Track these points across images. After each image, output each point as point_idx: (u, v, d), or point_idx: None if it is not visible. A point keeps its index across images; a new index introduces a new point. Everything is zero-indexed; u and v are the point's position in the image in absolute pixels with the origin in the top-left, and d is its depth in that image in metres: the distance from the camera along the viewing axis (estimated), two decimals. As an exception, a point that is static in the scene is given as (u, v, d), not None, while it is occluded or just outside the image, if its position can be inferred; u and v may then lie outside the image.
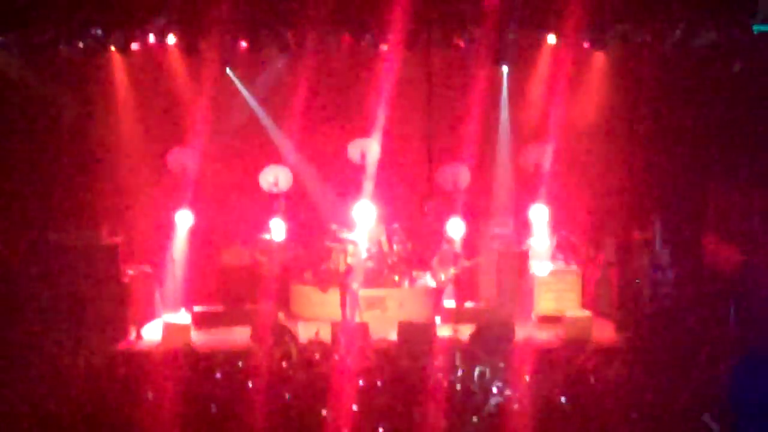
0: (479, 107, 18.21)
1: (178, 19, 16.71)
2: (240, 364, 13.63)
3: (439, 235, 18.53)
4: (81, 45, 16.87)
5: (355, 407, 11.95)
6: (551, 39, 17.46)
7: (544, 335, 16.47)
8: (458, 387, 12.51)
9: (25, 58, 17.20)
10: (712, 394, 12.09)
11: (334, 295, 17.36)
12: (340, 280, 17.37)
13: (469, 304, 18.07)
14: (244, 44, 17.39)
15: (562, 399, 12.04)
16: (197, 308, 17.72)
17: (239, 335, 16.27)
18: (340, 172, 19.13)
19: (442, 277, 17.92)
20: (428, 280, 18.26)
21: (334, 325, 16.15)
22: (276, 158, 18.96)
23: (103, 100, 18.61)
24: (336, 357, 14.08)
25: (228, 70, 18.75)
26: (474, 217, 19.08)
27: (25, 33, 16.27)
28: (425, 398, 12.05)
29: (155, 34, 17.14)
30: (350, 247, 17.72)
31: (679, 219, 17.52)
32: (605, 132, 18.97)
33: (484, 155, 19.14)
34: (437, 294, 17.96)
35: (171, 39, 17.26)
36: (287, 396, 12.40)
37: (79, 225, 17.62)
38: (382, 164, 18.86)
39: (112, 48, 17.46)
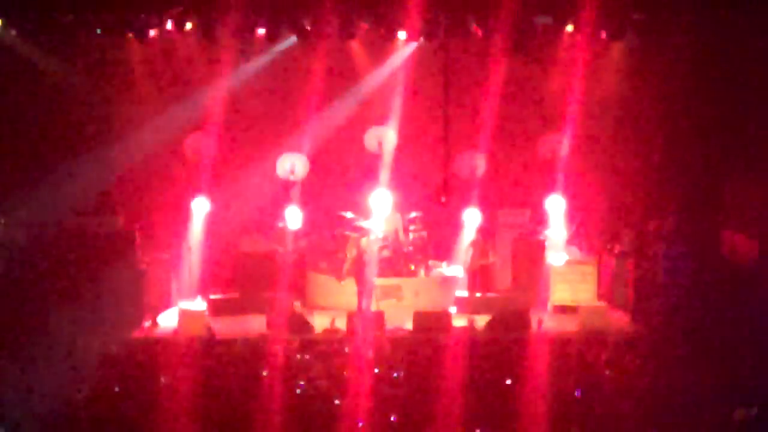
0: (496, 96, 18.15)
1: (195, 6, 16.70)
2: (255, 351, 13.67)
3: (455, 224, 18.52)
4: (99, 31, 16.90)
5: (369, 396, 11.98)
6: (569, 28, 17.35)
7: (560, 325, 16.45)
8: None
9: (44, 45, 17.21)
10: (727, 385, 12.11)
11: (349, 284, 17.34)
12: (356, 269, 17.35)
13: (485, 294, 18.03)
14: (261, 31, 17.35)
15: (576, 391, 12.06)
16: (213, 296, 17.75)
17: (255, 323, 16.28)
18: (357, 161, 19.12)
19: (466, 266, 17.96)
20: (444, 269, 18.25)
21: (350, 314, 16.15)
22: (292, 146, 18.93)
23: (121, 87, 18.63)
24: (351, 346, 14.10)
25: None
26: (490, 206, 19.05)
27: (44, 19, 16.28)
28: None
29: (173, 21, 17.14)
30: (366, 236, 17.67)
31: (697, 211, 17.43)
32: (623, 122, 18.87)
33: (500, 144, 19.07)
34: (454, 283, 17.96)
35: (188, 26, 17.25)
36: (302, 384, 12.43)
37: (97, 211, 17.69)
38: (399, 153, 18.85)
39: (130, 35, 17.46)
